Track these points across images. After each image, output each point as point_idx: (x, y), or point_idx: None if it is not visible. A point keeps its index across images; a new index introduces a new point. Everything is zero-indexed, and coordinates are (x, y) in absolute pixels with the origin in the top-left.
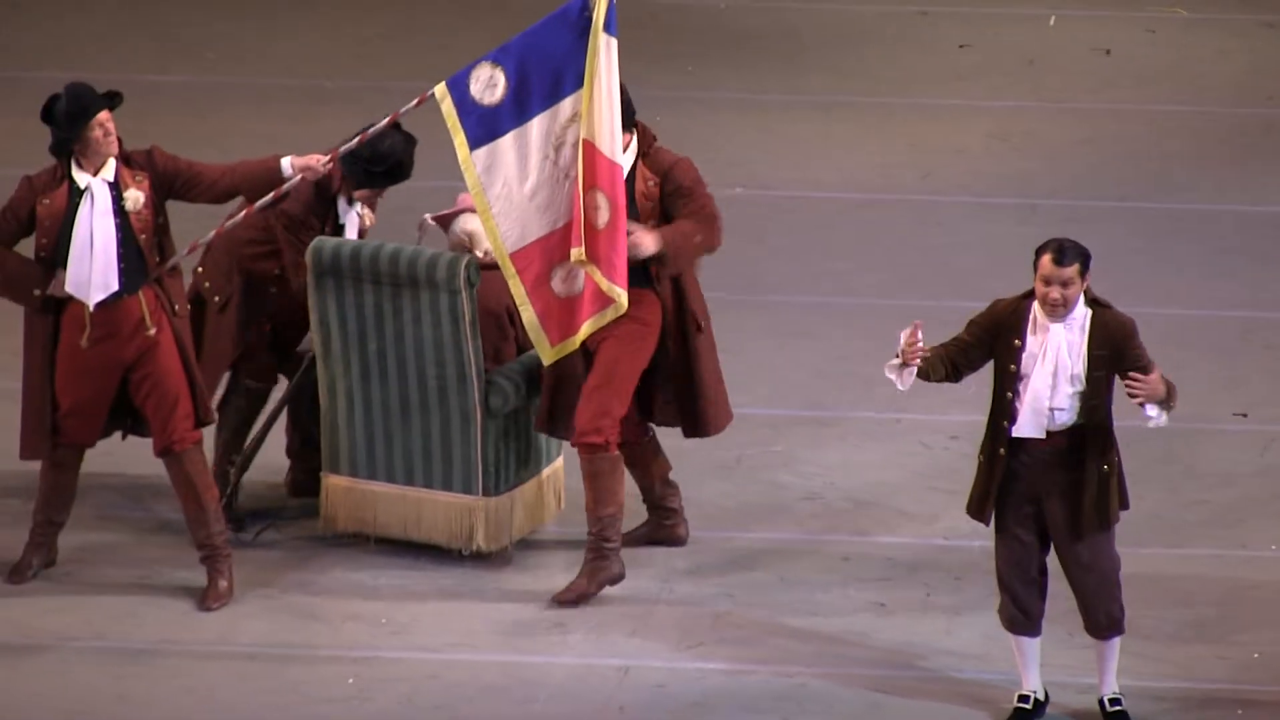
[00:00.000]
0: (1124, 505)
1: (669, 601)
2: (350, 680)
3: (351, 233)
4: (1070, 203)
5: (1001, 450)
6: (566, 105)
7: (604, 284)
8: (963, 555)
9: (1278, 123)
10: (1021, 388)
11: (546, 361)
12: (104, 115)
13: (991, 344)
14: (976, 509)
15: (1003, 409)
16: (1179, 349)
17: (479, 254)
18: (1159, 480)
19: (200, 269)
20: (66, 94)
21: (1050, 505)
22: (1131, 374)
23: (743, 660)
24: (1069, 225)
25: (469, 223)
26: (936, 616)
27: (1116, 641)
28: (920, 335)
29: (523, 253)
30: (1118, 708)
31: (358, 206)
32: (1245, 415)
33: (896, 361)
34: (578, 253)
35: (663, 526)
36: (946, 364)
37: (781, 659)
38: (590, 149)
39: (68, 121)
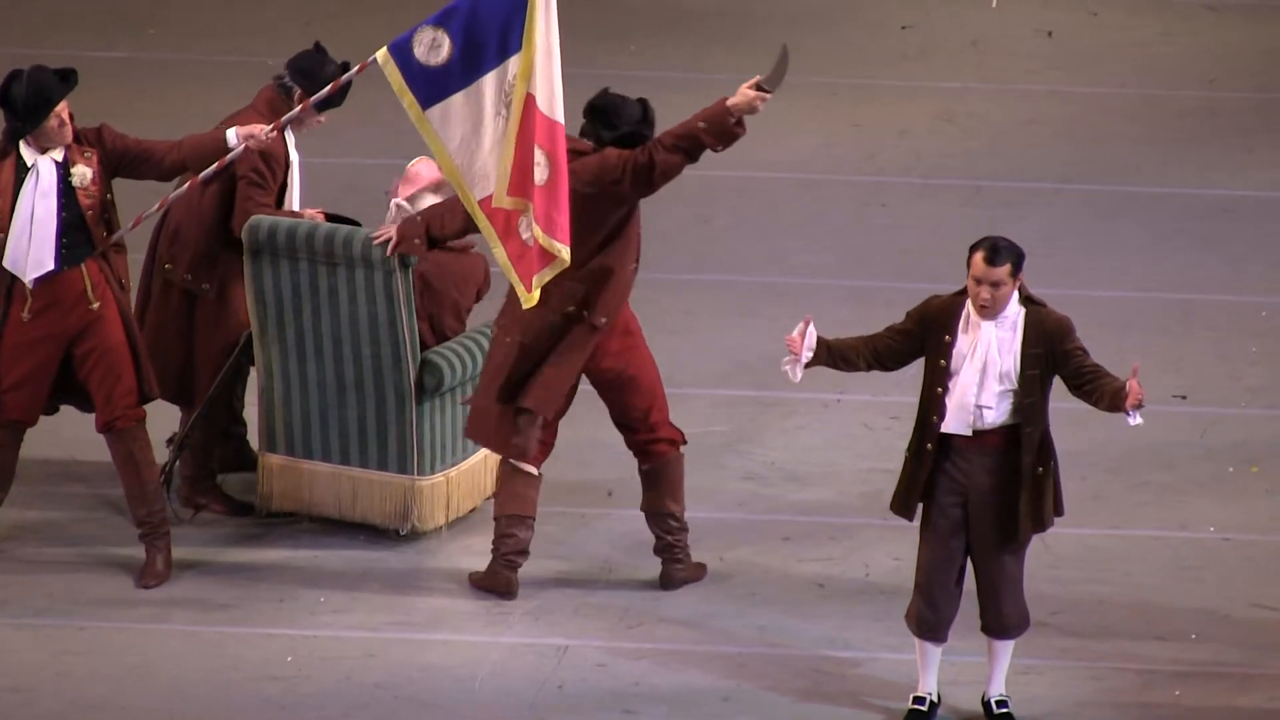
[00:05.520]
0: (1059, 511)
1: (609, 582)
2: (289, 659)
3: (297, 166)
4: (1014, 184)
5: (929, 446)
6: (513, 63)
7: (543, 238)
8: (902, 536)
9: (1220, 106)
10: (951, 384)
11: (526, 305)
12: (62, 106)
13: (923, 338)
14: (901, 504)
15: (931, 405)
16: (1120, 331)
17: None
18: (1100, 461)
19: (170, 264)
20: (28, 82)
21: (979, 507)
22: (1131, 383)
23: (682, 640)
24: (1013, 207)
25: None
26: (875, 597)
27: (1012, 643)
28: (809, 331)
29: (489, 200)
30: (1004, 710)
31: (293, 142)
32: (1185, 398)
33: (788, 358)
34: (516, 202)
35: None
36: (868, 354)
37: (721, 639)
38: (530, 104)
39: (27, 112)
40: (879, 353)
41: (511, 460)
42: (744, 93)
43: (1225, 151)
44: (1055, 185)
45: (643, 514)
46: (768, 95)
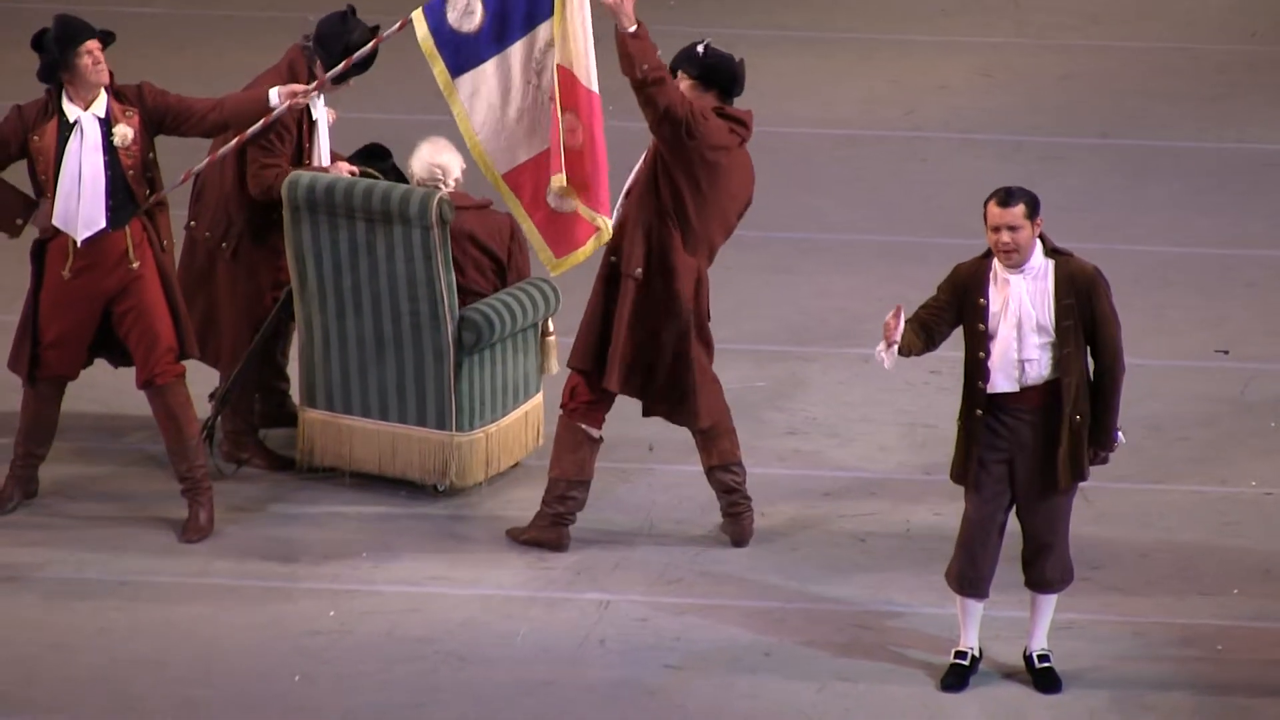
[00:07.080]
0: (1085, 473)
1: (650, 536)
2: (331, 613)
3: (323, 126)
4: (1052, 139)
5: (979, 411)
6: (543, 30)
7: (585, 212)
8: (942, 491)
9: (1260, 60)
10: (991, 345)
11: (554, 273)
12: (93, 43)
13: (959, 306)
14: (960, 474)
15: (976, 370)
16: (1159, 286)
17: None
18: (1141, 417)
19: (194, 221)
20: (56, 22)
21: (1024, 462)
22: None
23: (723, 595)
24: (1051, 162)
25: (435, 157)
26: (916, 552)
27: (1054, 598)
28: (901, 319)
29: (514, 173)
30: (1046, 664)
31: (322, 102)
32: (1227, 352)
33: (881, 345)
34: (559, 179)
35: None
36: (921, 334)
37: (761, 594)
38: (568, 76)
39: (57, 47)
40: (928, 327)
41: (580, 424)
42: None
43: (1265, 106)
44: (1094, 140)
45: (706, 470)
46: None
